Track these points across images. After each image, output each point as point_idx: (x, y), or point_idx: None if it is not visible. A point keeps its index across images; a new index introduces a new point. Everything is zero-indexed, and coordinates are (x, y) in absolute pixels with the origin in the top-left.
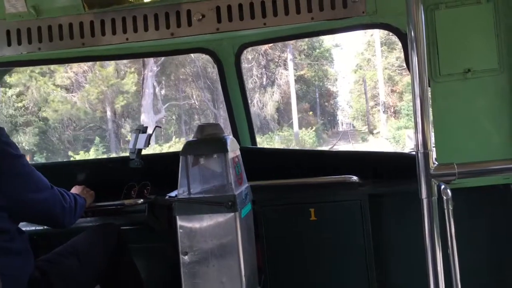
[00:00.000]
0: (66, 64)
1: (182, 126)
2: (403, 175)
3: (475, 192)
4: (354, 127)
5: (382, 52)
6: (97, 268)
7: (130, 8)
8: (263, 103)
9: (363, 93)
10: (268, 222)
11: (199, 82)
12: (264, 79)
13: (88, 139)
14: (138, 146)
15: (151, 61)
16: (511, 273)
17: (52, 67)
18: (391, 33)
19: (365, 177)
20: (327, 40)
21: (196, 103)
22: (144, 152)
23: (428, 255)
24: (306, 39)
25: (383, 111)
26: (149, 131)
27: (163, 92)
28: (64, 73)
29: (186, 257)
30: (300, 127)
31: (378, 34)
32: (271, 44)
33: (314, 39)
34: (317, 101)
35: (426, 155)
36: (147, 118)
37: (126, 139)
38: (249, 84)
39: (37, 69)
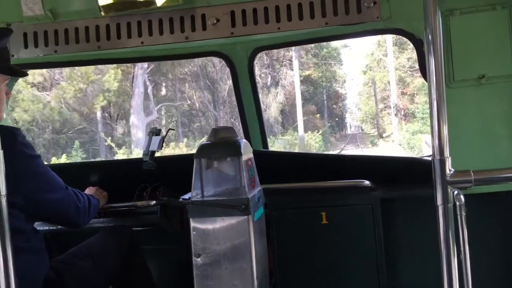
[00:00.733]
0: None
1: (179, 129)
2: (415, 180)
3: (487, 197)
4: (362, 130)
5: (393, 52)
6: (110, 269)
7: (145, 12)
8: (266, 105)
9: (372, 95)
10: (279, 225)
11: (198, 82)
12: (269, 80)
13: (68, 144)
14: (152, 148)
15: None
16: None
17: None
18: None
19: (377, 181)
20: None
21: (193, 104)
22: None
23: (443, 262)
24: None
25: (395, 114)
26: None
27: (162, 92)
28: (36, 69)
29: (198, 259)
30: (305, 131)
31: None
32: None
33: None
34: (325, 103)
35: (443, 162)
36: (136, 120)
37: (106, 144)
38: None
39: None
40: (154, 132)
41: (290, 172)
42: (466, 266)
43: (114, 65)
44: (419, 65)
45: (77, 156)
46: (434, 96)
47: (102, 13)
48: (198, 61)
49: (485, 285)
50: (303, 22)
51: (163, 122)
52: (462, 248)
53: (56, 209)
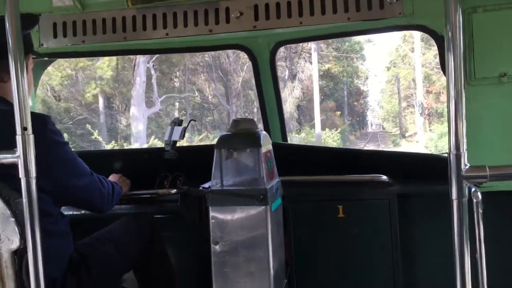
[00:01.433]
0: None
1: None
2: (432, 177)
3: (504, 196)
4: (384, 128)
5: (420, 48)
6: (131, 256)
7: (170, 5)
8: (282, 99)
9: (396, 93)
10: (296, 217)
11: (210, 73)
12: (286, 73)
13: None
14: (174, 138)
15: None
16: None
17: None
18: None
19: (395, 177)
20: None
21: (204, 96)
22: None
23: (456, 256)
24: None
25: (420, 113)
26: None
27: (170, 82)
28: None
29: (217, 247)
30: (323, 128)
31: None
32: None
33: None
34: (345, 99)
35: (459, 157)
36: (137, 112)
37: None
38: None
39: None
40: (176, 122)
41: (308, 165)
42: (481, 264)
43: None
44: (440, 62)
45: None
46: (452, 92)
47: (129, 5)
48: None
49: (499, 282)
50: (326, 17)
51: (175, 115)
52: (477, 247)
53: (82, 195)
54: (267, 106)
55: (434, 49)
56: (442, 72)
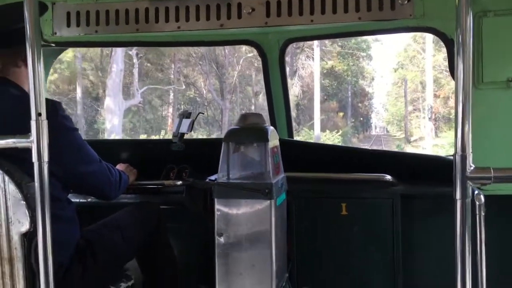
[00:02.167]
0: None
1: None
2: (437, 178)
3: (508, 200)
4: (388, 131)
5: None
6: (136, 244)
7: None
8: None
9: (402, 96)
10: (300, 212)
11: (204, 66)
12: (287, 69)
13: None
14: (181, 130)
15: None
16: None
17: None
18: None
19: (399, 177)
20: None
21: (194, 89)
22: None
23: (457, 256)
24: None
25: (429, 118)
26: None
27: (153, 72)
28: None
29: (221, 239)
30: (323, 129)
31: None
32: None
33: None
34: (349, 100)
35: (464, 158)
36: (112, 104)
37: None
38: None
39: None
40: (184, 114)
41: (314, 162)
42: (481, 267)
43: None
44: (449, 65)
45: None
46: (460, 95)
47: None
48: None
49: (499, 286)
50: (337, 16)
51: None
52: (478, 248)
53: (91, 181)
54: (275, 102)
55: (444, 51)
56: (451, 76)
